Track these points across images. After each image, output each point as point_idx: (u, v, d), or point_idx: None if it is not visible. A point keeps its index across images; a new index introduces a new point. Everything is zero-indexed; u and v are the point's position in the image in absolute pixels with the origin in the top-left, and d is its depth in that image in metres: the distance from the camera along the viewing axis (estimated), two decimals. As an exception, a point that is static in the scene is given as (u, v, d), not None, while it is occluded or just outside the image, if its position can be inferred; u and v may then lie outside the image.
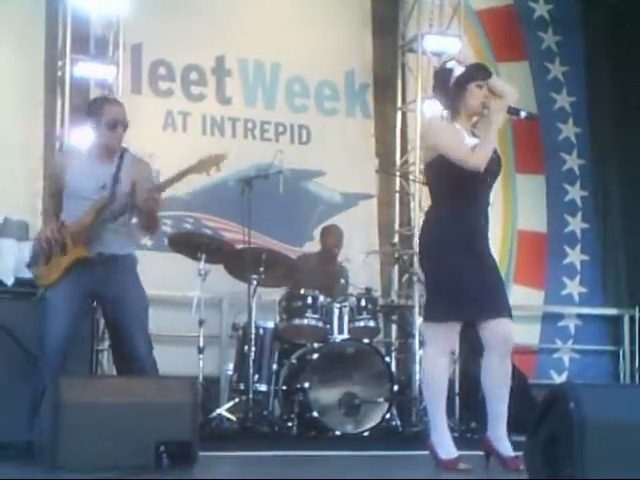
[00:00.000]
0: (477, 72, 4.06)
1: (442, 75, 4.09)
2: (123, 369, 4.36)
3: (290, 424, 5.93)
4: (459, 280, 3.89)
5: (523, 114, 4.11)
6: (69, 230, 4.27)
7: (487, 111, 4.01)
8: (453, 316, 3.94)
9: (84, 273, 4.25)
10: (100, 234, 4.26)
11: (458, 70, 4.03)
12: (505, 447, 3.88)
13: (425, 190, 7.96)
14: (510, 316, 3.97)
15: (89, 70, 7.15)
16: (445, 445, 3.97)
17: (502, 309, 3.94)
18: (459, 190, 3.94)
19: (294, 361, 6.17)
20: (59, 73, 7.21)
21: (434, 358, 4.00)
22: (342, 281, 6.83)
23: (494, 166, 4.02)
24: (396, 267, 8.05)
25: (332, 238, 7.02)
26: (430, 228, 4.05)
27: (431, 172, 4.09)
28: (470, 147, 3.94)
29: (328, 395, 5.98)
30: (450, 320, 3.95)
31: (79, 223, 4.26)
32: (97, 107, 4.36)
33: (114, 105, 4.43)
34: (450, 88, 4.01)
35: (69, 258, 4.25)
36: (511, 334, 3.97)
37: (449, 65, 4.08)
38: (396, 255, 7.73)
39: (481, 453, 4.06)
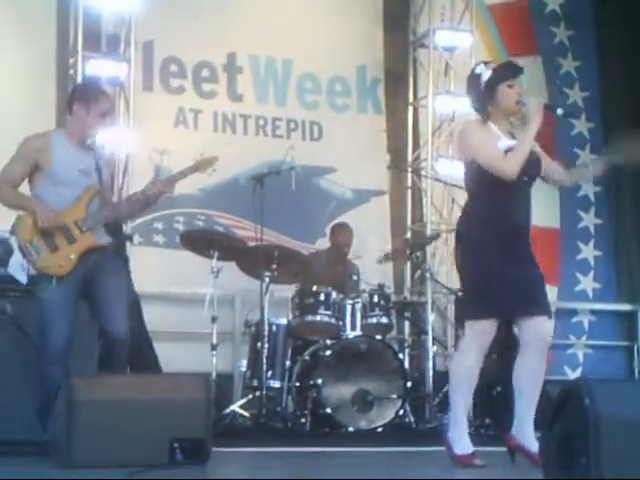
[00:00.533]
0: (505, 72, 4.01)
1: (471, 81, 4.04)
2: (103, 352, 4.26)
3: (303, 420, 5.93)
4: (498, 278, 3.85)
5: (560, 111, 4.05)
6: (67, 217, 4.21)
7: (524, 108, 3.94)
8: (491, 314, 3.92)
9: (81, 263, 4.22)
10: (99, 225, 4.27)
11: (486, 73, 3.97)
12: (533, 444, 3.85)
13: (437, 185, 8.01)
14: (547, 314, 3.94)
15: (101, 68, 7.15)
16: (462, 441, 3.96)
17: (538, 307, 3.91)
18: (495, 191, 3.89)
19: (307, 358, 6.17)
20: (71, 71, 7.22)
21: (465, 354, 3.99)
22: (354, 278, 6.82)
23: (531, 169, 3.95)
24: (409, 263, 8.03)
25: (342, 237, 7.02)
26: (469, 226, 4.00)
27: (467, 173, 4.05)
28: (503, 151, 3.89)
29: (341, 391, 5.98)
30: (488, 318, 3.92)
31: (75, 209, 4.22)
32: (91, 94, 4.38)
33: (106, 96, 4.49)
34: (481, 92, 3.97)
35: (80, 247, 4.20)
36: (547, 332, 3.98)
37: (477, 70, 4.02)
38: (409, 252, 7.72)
39: (494, 449, 4.05)
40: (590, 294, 8.67)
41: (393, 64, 8.43)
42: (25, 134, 5.06)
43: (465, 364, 3.99)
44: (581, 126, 8.86)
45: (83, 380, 3.78)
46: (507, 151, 3.90)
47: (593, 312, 8.63)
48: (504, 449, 4.00)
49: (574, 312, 8.65)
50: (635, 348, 8.63)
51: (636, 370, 8.58)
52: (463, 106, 8.05)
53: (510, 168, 3.85)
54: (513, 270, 3.87)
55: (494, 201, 3.91)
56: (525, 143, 3.89)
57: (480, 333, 3.95)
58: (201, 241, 6.18)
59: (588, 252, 8.71)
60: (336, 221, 7.49)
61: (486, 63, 4.07)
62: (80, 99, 4.34)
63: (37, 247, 4.17)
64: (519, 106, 3.95)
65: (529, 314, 3.89)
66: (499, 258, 3.87)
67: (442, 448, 4.04)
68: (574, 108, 8.94)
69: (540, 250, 8.50)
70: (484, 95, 3.96)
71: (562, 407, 2.94)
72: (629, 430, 2.79)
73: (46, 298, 4.16)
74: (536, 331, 3.90)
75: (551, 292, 8.63)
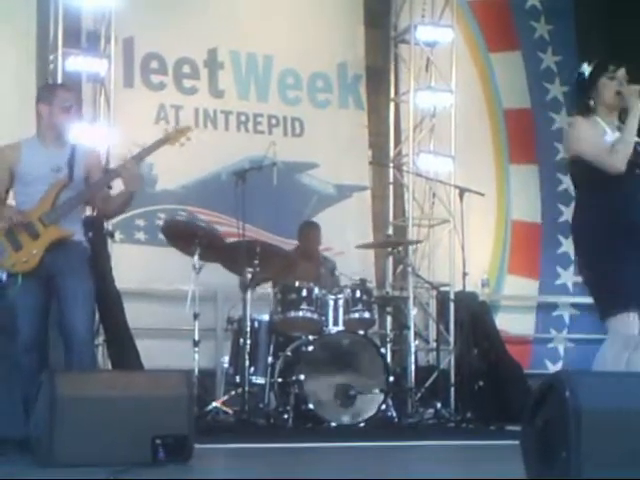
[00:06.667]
0: (605, 64, 3.98)
1: (578, 82, 4.03)
2: (66, 357, 4.25)
3: (286, 416, 5.93)
4: (633, 273, 3.76)
5: None
6: (33, 214, 4.23)
7: (623, 99, 3.88)
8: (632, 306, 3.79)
9: (46, 257, 4.24)
10: (64, 216, 4.27)
11: (588, 70, 3.98)
12: None
13: (418, 181, 8.02)
14: None
15: (81, 64, 7.12)
16: None
17: None
18: (611, 187, 3.82)
19: (289, 353, 6.17)
20: (51, 67, 7.18)
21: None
22: (336, 273, 6.83)
23: (638, 158, 3.86)
24: (390, 258, 8.06)
25: (311, 236, 7.03)
26: (593, 225, 3.89)
27: (576, 169, 3.96)
28: (609, 144, 3.82)
29: (323, 387, 5.98)
30: (632, 310, 3.79)
31: (42, 206, 4.25)
32: (49, 92, 4.48)
33: (66, 90, 4.56)
34: (584, 89, 3.96)
35: (44, 241, 4.22)
36: None
37: (581, 69, 4.02)
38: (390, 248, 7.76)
39: (476, 443, 4.07)
40: (570, 288, 8.70)
41: (374, 60, 8.43)
42: (5, 129, 5.08)
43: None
44: (562, 121, 8.89)
45: (65, 377, 3.78)
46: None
47: (574, 305, 8.67)
48: (486, 442, 4.02)
49: (555, 306, 8.69)
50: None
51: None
52: (444, 101, 8.13)
53: (615, 161, 3.78)
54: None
55: (611, 197, 3.83)
56: (627, 134, 3.81)
57: (626, 326, 3.79)
58: (184, 235, 6.12)
59: (568, 246, 8.70)
60: (315, 217, 7.51)
61: (590, 62, 4.05)
62: (42, 99, 4.43)
63: (1, 247, 4.23)
64: (619, 97, 3.88)
65: None
66: (628, 249, 3.78)
67: (424, 442, 4.06)
68: (555, 103, 8.99)
69: (520, 244, 8.72)
70: (587, 91, 3.95)
71: (543, 399, 2.96)
72: (609, 422, 2.81)
73: (13, 295, 4.21)
74: None
75: (532, 286, 8.71)
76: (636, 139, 3.86)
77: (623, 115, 3.92)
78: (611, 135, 3.87)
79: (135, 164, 4.32)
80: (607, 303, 3.81)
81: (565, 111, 8.90)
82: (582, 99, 3.97)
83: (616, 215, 3.81)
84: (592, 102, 3.93)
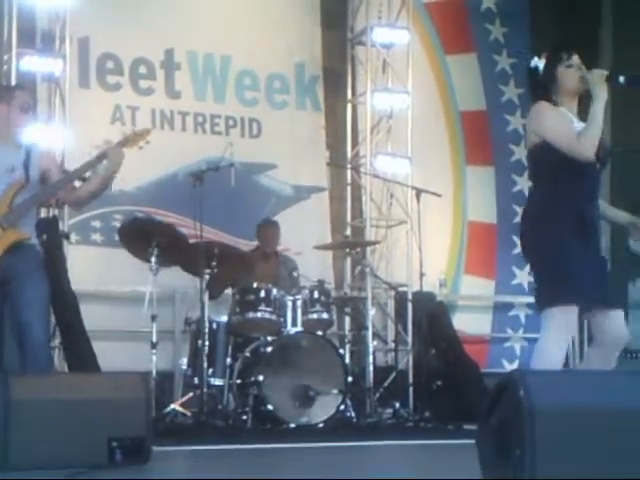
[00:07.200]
0: (559, 53, 3.86)
1: (531, 77, 3.93)
2: (21, 360, 4.24)
3: (245, 417, 5.92)
4: (580, 261, 3.70)
5: (621, 79, 3.75)
6: None
7: (586, 84, 3.77)
8: (575, 298, 3.73)
9: (4, 261, 4.22)
10: (21, 218, 4.25)
11: (541, 63, 3.86)
12: None
13: (376, 182, 8.06)
14: (621, 307, 3.79)
15: (35, 64, 7.04)
16: None
17: (613, 298, 3.80)
18: (567, 175, 3.76)
19: (248, 354, 6.17)
20: (4, 67, 7.09)
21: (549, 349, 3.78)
22: (294, 274, 6.84)
23: (603, 155, 3.79)
24: (349, 259, 8.08)
25: (268, 235, 7.03)
26: (544, 210, 3.83)
27: (538, 156, 3.86)
28: (577, 132, 3.72)
29: (282, 388, 5.98)
30: (571, 303, 3.74)
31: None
32: (7, 92, 4.52)
33: (25, 91, 4.63)
34: (544, 83, 3.84)
35: (4, 243, 4.20)
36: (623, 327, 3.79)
37: (532, 64, 3.90)
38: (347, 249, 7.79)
39: (434, 442, 4.10)
40: (526, 287, 8.77)
41: (331, 61, 8.45)
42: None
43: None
44: (516, 122, 8.99)
45: (20, 379, 3.74)
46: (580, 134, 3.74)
47: (529, 305, 8.72)
48: (444, 442, 4.05)
49: (511, 306, 8.77)
50: (570, 340, 8.76)
51: (571, 361, 8.74)
52: (401, 103, 8.17)
53: (585, 149, 3.69)
54: (590, 256, 3.74)
55: (565, 195, 3.76)
56: (595, 120, 3.70)
57: (565, 320, 3.74)
58: (141, 235, 6.05)
59: (524, 246, 8.82)
60: (273, 218, 7.50)
61: (539, 56, 3.93)
62: None
63: None
64: (583, 83, 3.79)
65: (606, 305, 3.75)
66: (577, 242, 3.73)
67: (383, 442, 4.08)
68: (510, 105, 9.06)
69: (477, 245, 8.79)
70: (547, 84, 3.83)
71: (498, 399, 2.98)
72: (564, 421, 2.83)
73: None
74: (611, 325, 3.75)
75: (488, 286, 8.78)
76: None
77: (584, 102, 3.86)
78: (577, 123, 3.82)
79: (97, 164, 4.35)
80: (550, 293, 3.78)
81: (520, 113, 8.98)
82: (542, 94, 3.86)
83: (568, 213, 3.78)
84: (555, 96, 3.83)
